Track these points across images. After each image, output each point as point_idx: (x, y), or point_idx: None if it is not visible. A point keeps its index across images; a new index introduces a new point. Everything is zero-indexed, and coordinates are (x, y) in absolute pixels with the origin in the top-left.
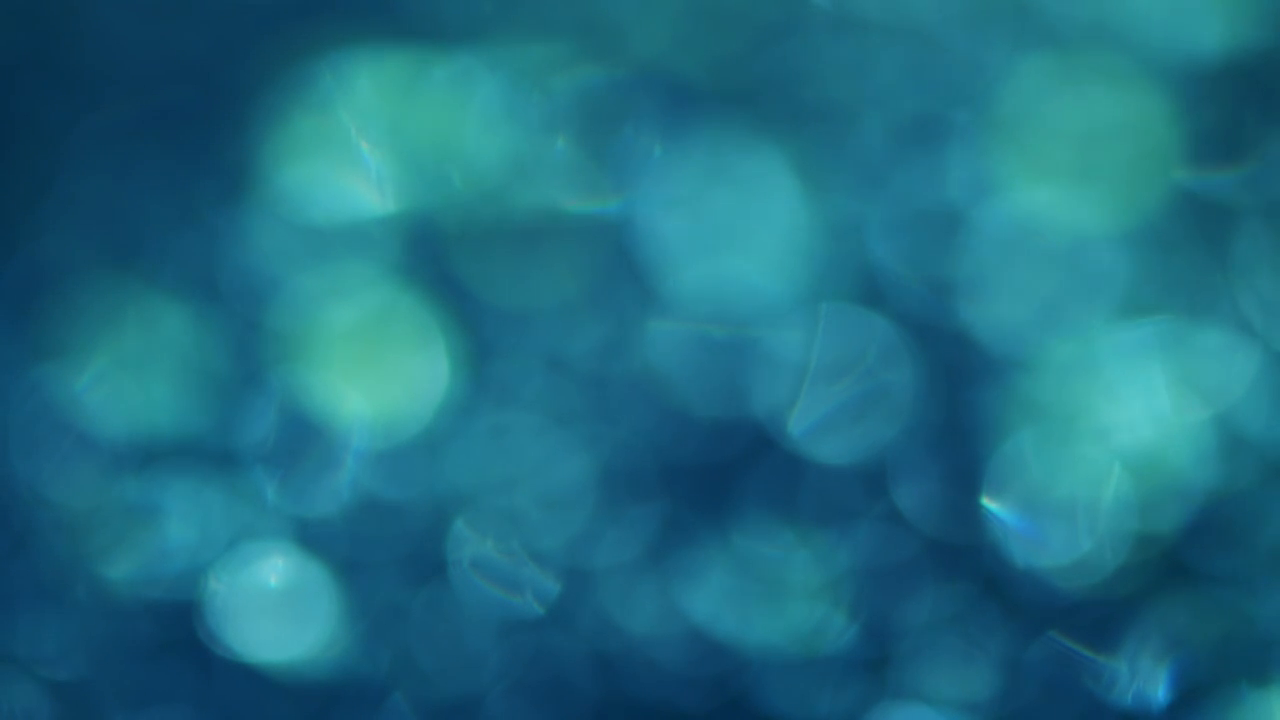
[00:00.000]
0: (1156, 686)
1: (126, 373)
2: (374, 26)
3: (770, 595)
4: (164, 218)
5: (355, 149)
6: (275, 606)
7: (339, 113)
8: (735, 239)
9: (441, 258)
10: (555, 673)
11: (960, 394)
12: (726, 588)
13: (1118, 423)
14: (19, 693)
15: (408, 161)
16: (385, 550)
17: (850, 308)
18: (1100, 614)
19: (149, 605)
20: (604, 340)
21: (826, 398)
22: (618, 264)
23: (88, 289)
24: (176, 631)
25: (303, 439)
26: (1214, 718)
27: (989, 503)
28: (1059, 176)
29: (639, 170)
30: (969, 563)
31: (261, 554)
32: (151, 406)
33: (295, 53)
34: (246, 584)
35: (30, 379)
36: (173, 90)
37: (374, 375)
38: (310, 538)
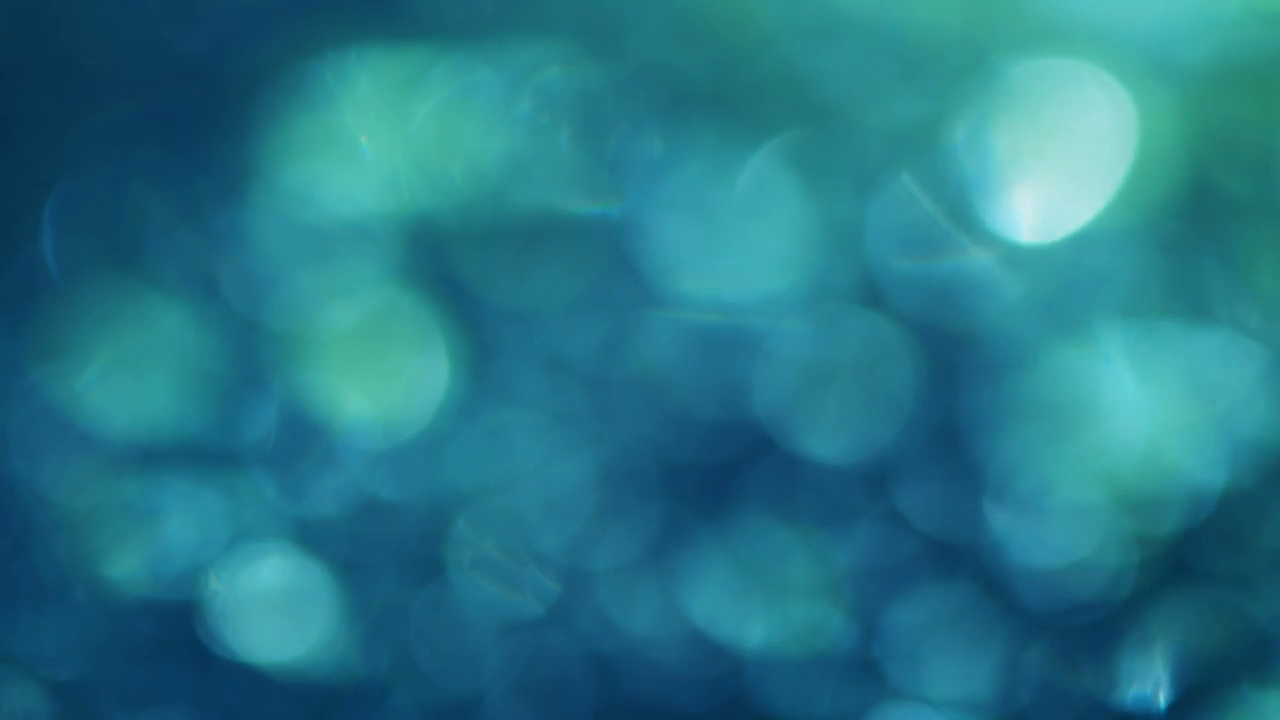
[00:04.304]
0: (1156, 686)
1: (126, 373)
2: (374, 26)
3: (770, 595)
4: (164, 218)
5: (355, 149)
6: (275, 606)
7: (339, 112)
8: (735, 239)
9: (441, 258)
10: (555, 673)
11: (960, 394)
12: (726, 588)
13: (1119, 423)
14: (19, 693)
15: (408, 161)
16: (385, 550)
17: (850, 308)
18: (1100, 614)
19: (149, 605)
20: (604, 340)
21: (826, 398)
22: (618, 264)
23: (88, 289)
24: (176, 631)
25: (303, 439)
26: (1214, 718)
27: (989, 503)
28: (1059, 176)
29: (639, 170)
30: (969, 563)
31: (261, 554)
32: (151, 406)
33: (295, 53)
34: (246, 584)
35: (30, 379)
36: (173, 90)
37: (374, 375)
38: (310, 538)
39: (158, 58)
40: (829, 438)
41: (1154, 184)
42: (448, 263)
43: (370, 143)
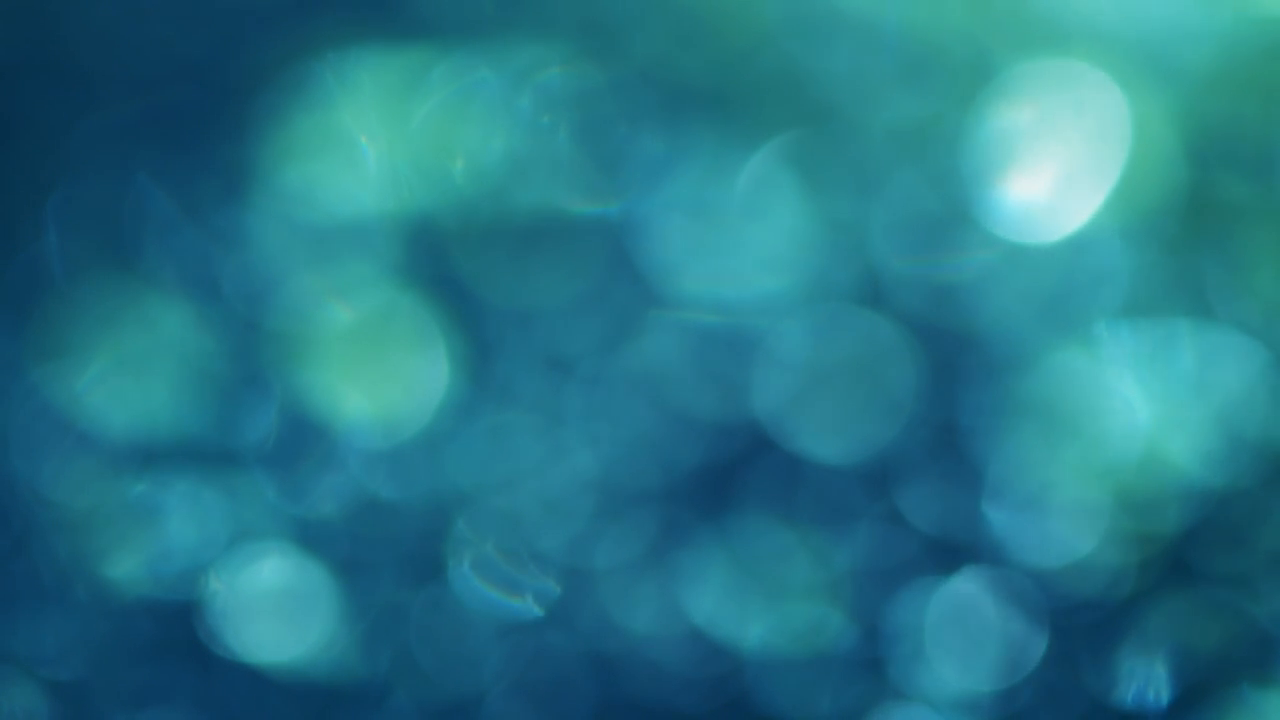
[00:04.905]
0: (1156, 686)
1: (126, 373)
2: (374, 26)
3: (770, 595)
4: (164, 218)
5: (355, 149)
6: (275, 606)
7: (339, 113)
8: (735, 239)
9: (441, 258)
10: (555, 673)
11: (960, 394)
12: (726, 588)
13: (1118, 423)
14: (19, 693)
15: (408, 161)
16: (385, 550)
17: (850, 308)
18: (1100, 614)
19: (149, 605)
20: (604, 340)
21: (826, 398)
22: (618, 264)
23: (88, 289)
24: (176, 631)
25: (303, 439)
26: (1214, 718)
27: (989, 503)
28: (1059, 176)
29: (639, 170)
30: (969, 563)
31: (261, 554)
32: (151, 406)
33: (295, 53)
34: (246, 584)
35: (30, 379)
36: (173, 90)
37: (374, 375)
38: (310, 538)
39: (158, 58)
40: (829, 438)
41: (1154, 184)
42: (448, 263)
43: (370, 143)
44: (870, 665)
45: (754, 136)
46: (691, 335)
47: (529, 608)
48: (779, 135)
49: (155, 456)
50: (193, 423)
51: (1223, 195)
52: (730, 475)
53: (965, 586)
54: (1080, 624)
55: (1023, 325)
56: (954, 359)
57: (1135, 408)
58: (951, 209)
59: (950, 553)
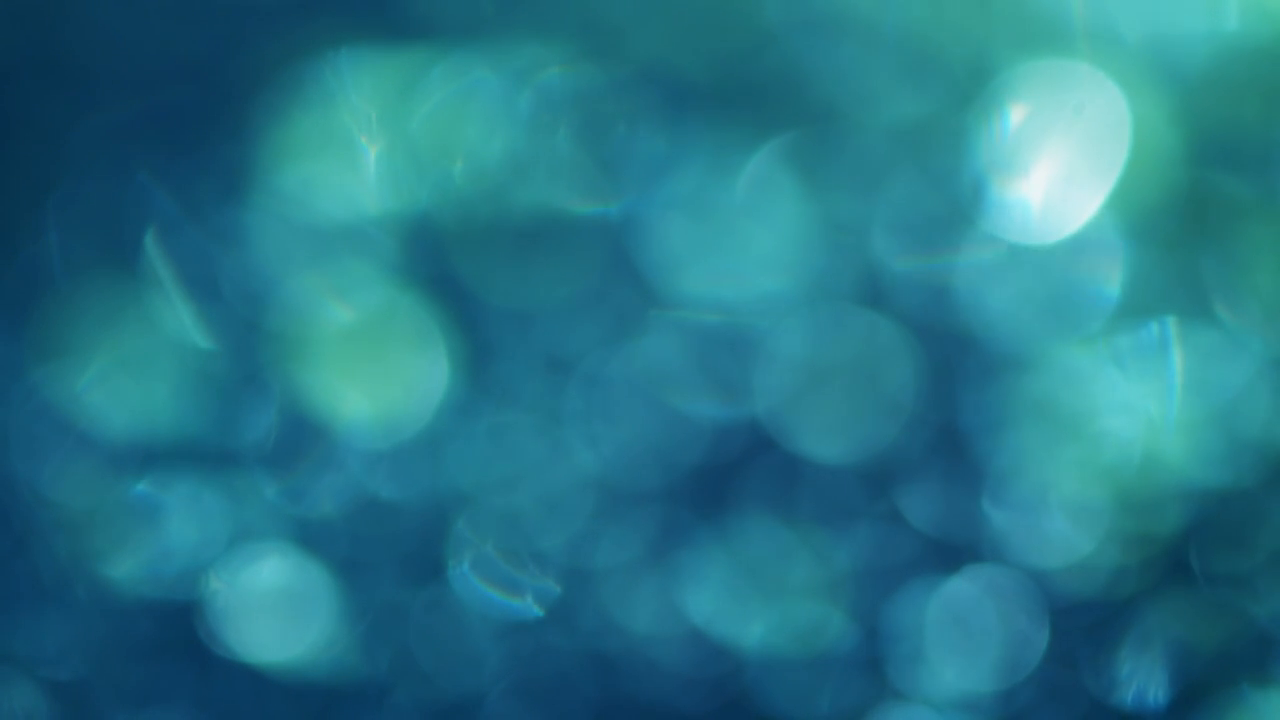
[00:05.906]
0: (1156, 686)
1: (126, 373)
2: (374, 26)
3: (770, 595)
4: (164, 218)
5: (355, 149)
6: (275, 606)
7: (339, 113)
8: (735, 239)
9: (441, 258)
10: (555, 673)
11: (960, 394)
12: (726, 588)
13: (1118, 423)
14: (19, 693)
15: (408, 161)
16: (385, 550)
17: (850, 308)
18: (1100, 614)
19: (149, 605)
20: (604, 340)
21: (826, 398)
22: (618, 264)
23: (88, 289)
24: (176, 631)
25: (303, 439)
26: (1214, 718)
27: (989, 503)
28: (1059, 176)
29: (639, 170)
30: (969, 563)
31: (261, 554)
32: (151, 406)
33: (295, 53)
34: (246, 584)
35: (30, 379)
36: (173, 90)
37: (374, 375)
38: (310, 538)
39: (158, 58)
40: (829, 438)
41: (1154, 184)
42: (448, 263)
43: (370, 143)
44: (870, 665)
45: (754, 136)
46: (691, 335)
47: (529, 608)
48: (779, 135)
49: (155, 456)
50: (193, 423)
51: (1223, 195)
52: (730, 475)
53: (965, 586)
54: (1080, 624)
55: (1023, 325)
56: (954, 359)
57: (1135, 407)
58: (951, 209)
59: (950, 553)
